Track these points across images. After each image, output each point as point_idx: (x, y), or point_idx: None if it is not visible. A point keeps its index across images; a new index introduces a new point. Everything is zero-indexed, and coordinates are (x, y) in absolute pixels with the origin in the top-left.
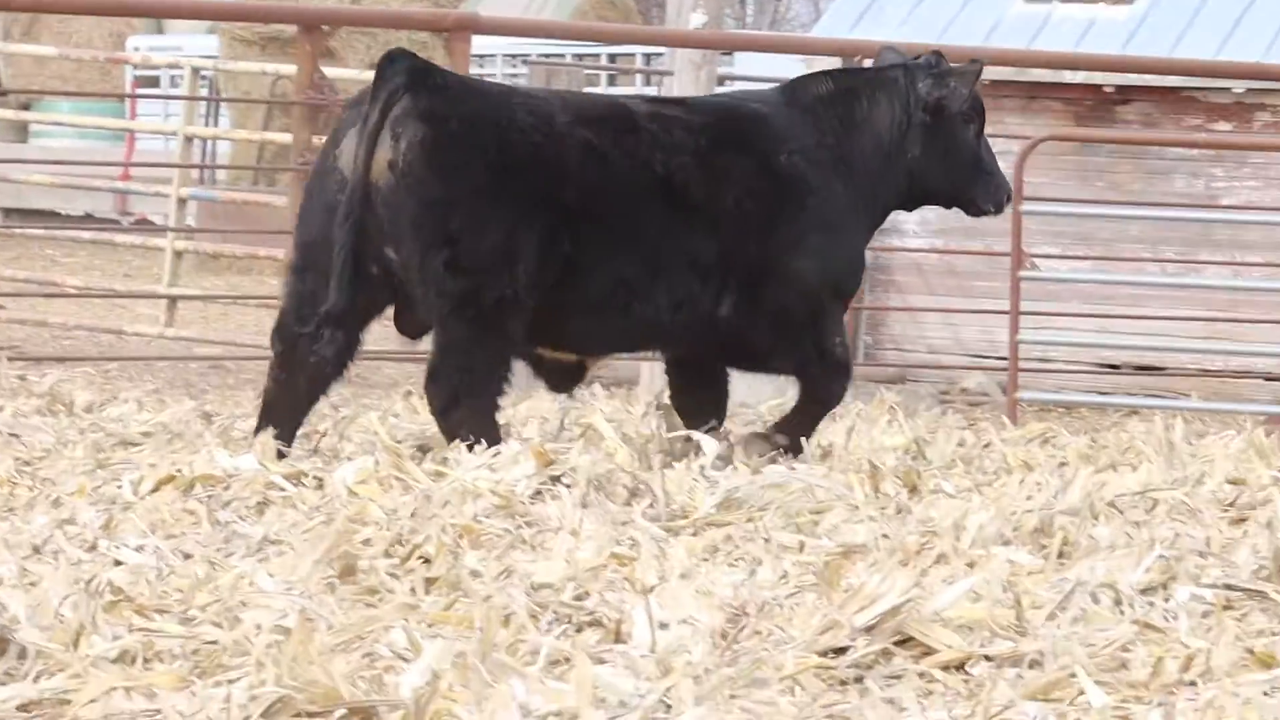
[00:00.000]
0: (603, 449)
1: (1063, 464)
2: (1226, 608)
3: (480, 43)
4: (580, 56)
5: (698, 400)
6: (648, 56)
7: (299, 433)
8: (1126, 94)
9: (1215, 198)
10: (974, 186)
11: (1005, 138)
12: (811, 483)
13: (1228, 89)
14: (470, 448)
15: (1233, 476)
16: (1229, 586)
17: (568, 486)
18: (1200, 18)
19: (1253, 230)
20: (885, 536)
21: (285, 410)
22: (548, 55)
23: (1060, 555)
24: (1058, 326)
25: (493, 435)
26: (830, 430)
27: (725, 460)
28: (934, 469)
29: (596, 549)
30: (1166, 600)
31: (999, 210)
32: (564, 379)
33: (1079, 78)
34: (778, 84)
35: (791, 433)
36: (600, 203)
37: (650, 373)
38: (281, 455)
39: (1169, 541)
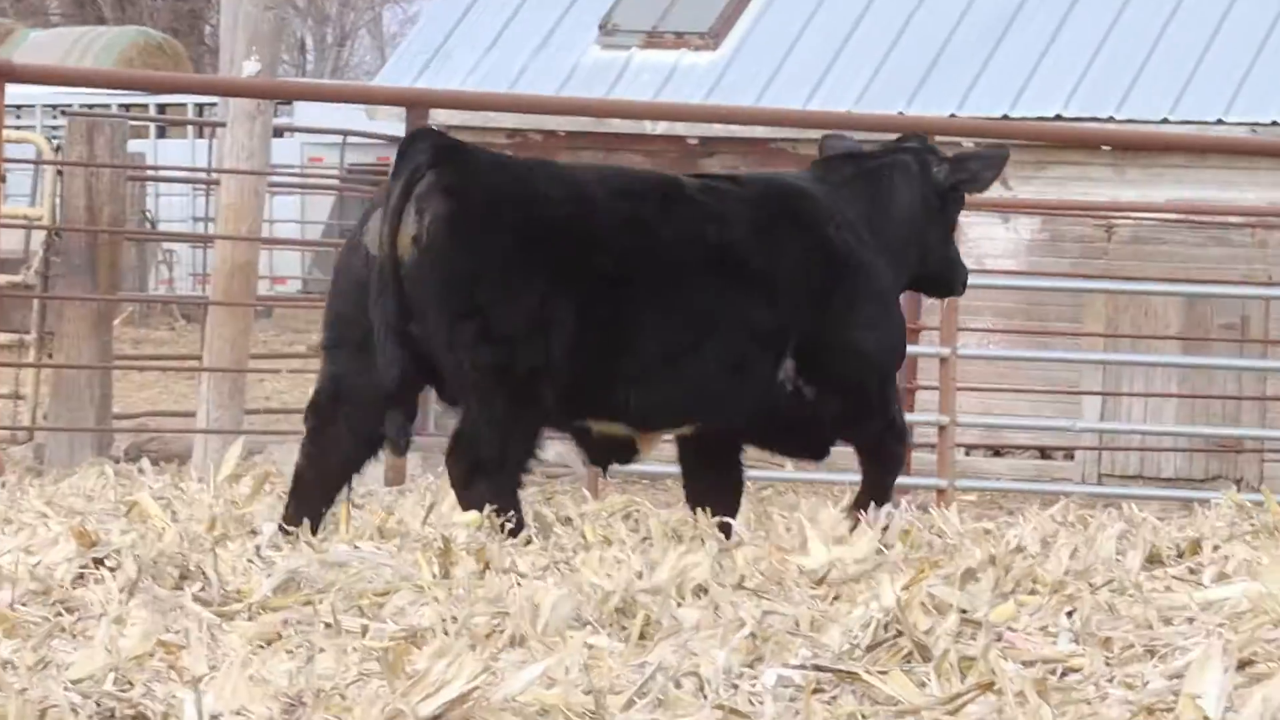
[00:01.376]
0: (151, 528)
1: (646, 539)
2: (816, 690)
3: (17, 92)
4: (127, 107)
5: (715, 485)
6: (200, 107)
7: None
8: (711, 145)
9: None
10: (955, 270)
11: None
12: (376, 562)
13: (818, 140)
14: (502, 524)
15: (827, 550)
16: (818, 667)
17: (112, 569)
18: (787, 66)
19: None
20: (454, 619)
21: (317, 489)
22: (92, 105)
23: (642, 637)
24: None
25: (516, 509)
26: (401, 505)
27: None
28: (508, 546)
29: (142, 636)
30: (753, 683)
31: (963, 291)
32: (609, 454)
33: (660, 128)
34: (804, 169)
35: (876, 503)
36: (643, 272)
37: (204, 446)
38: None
39: (757, 621)
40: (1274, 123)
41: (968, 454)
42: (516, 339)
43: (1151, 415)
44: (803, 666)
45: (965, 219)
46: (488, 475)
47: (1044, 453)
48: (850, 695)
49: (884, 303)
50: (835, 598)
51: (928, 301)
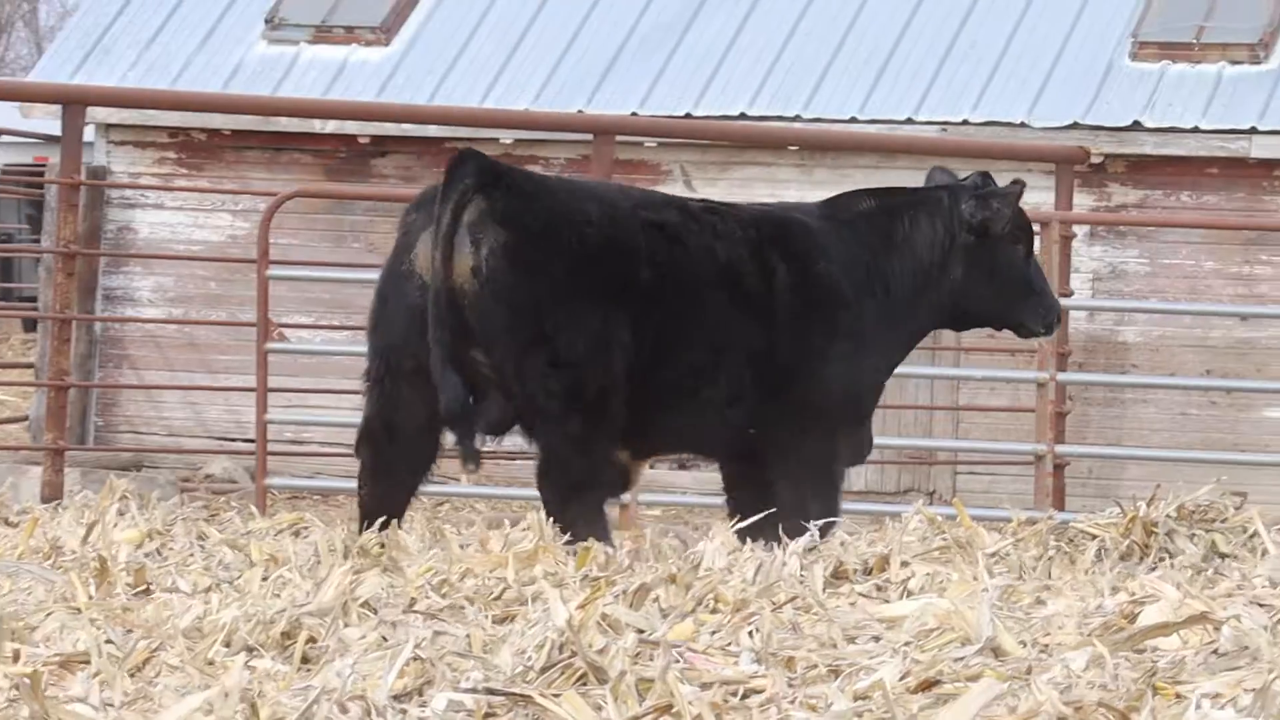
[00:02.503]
0: None
1: (314, 558)
2: (488, 714)
3: None
4: None
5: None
6: None
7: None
8: (383, 145)
9: None
10: (1022, 309)
11: (250, 194)
12: (30, 582)
13: (495, 139)
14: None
15: (499, 568)
16: (490, 690)
17: None
18: (462, 62)
19: None
20: (110, 643)
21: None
22: None
23: (306, 660)
24: (310, 405)
25: (604, 531)
26: (57, 523)
27: None
28: (170, 565)
29: None
30: (422, 708)
31: (1049, 332)
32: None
33: (330, 127)
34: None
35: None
36: (671, 294)
37: None
38: None
39: (426, 642)
40: (965, 121)
41: (652, 467)
42: (584, 363)
43: None
44: (474, 690)
45: None
46: (580, 496)
47: None
48: (524, 719)
49: (859, 346)
50: (509, 617)
51: None
